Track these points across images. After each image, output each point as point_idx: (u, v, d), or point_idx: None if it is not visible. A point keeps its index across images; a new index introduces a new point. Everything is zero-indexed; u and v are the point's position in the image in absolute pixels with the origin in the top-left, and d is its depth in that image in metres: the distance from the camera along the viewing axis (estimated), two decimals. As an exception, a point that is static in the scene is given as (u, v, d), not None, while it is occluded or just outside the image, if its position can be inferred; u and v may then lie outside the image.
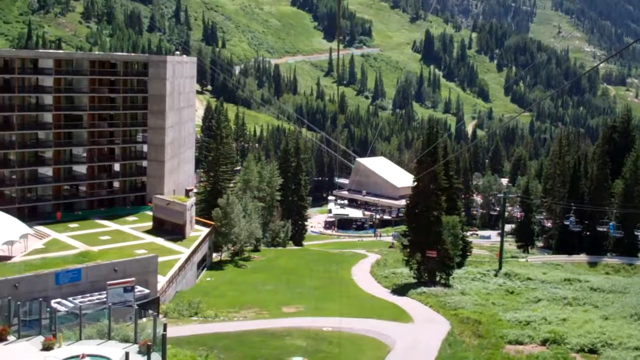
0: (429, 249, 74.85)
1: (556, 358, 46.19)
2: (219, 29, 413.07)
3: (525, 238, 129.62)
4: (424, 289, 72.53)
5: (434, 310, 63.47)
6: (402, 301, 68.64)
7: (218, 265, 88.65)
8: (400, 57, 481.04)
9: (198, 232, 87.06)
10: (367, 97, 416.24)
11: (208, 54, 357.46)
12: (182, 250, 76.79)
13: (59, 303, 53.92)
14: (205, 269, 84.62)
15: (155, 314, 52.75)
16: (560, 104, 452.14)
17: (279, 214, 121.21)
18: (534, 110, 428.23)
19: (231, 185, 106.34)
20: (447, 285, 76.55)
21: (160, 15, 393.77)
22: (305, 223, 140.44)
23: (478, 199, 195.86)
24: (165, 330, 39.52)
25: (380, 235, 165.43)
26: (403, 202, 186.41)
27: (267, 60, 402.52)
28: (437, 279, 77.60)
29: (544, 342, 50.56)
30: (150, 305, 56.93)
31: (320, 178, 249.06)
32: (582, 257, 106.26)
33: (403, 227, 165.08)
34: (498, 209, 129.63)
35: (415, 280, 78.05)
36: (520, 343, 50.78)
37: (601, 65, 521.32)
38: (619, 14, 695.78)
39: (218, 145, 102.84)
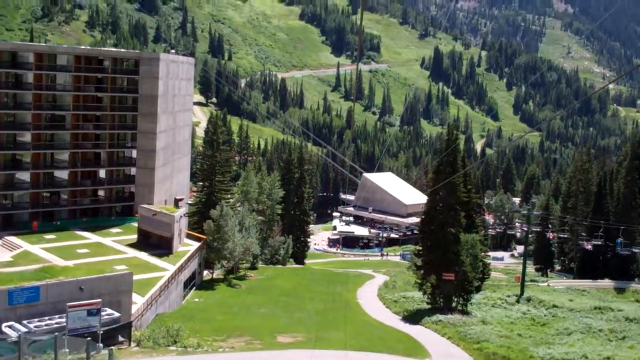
0: (446, 271, 66.24)
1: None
2: (226, 41, 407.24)
3: (543, 260, 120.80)
4: (440, 316, 63.70)
5: (453, 342, 54.63)
6: (415, 330, 59.92)
7: (209, 285, 79.87)
8: (409, 73, 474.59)
9: (188, 247, 78.54)
10: (374, 113, 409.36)
11: (214, 65, 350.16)
12: (167, 267, 68.18)
13: (10, 327, 45.39)
14: (194, 288, 75.93)
15: (113, 345, 44.57)
16: (571, 124, 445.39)
17: (280, 229, 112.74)
18: (543, 130, 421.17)
19: (228, 196, 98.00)
20: (465, 312, 67.78)
21: (166, 26, 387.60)
22: (308, 240, 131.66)
23: (489, 218, 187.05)
24: (121, 369, 31.15)
25: (387, 255, 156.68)
26: (411, 220, 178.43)
27: (274, 74, 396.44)
28: (454, 305, 68.95)
29: (589, 387, 41.94)
30: (120, 331, 48.41)
31: (325, 194, 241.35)
32: (608, 283, 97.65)
33: (410, 247, 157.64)
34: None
35: (429, 306, 69.33)
36: (562, 387, 42.11)
37: (611, 86, 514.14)
38: (628, 35, 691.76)
39: (214, 152, 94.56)
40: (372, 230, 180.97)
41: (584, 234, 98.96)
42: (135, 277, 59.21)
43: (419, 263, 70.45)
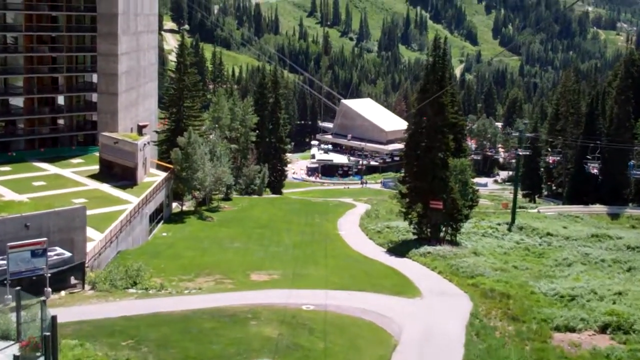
0: (433, 199, 61.03)
1: (635, 357, 32.50)
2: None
3: (532, 186, 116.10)
4: (428, 248, 58.91)
5: (445, 277, 49.70)
6: (402, 264, 54.99)
7: (178, 217, 74.07)
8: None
9: (155, 178, 72.59)
10: (351, 39, 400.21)
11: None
12: (130, 200, 62.33)
13: (-58, 272, 39.74)
14: (162, 222, 70.26)
15: (65, 289, 39.34)
16: (550, 48, 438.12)
17: (255, 157, 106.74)
18: (523, 54, 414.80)
19: (197, 123, 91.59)
20: (454, 242, 63.01)
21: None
22: (285, 168, 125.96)
23: (471, 143, 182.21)
24: (54, 325, 25.52)
25: (367, 183, 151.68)
26: (391, 146, 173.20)
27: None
28: (442, 235, 64.01)
29: (603, 329, 37.03)
30: (73, 273, 42.91)
31: (302, 122, 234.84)
32: (601, 208, 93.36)
33: (391, 174, 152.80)
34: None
35: (415, 237, 64.41)
36: (572, 330, 37.17)
37: (590, 9, 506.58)
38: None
39: (182, 75, 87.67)
40: (352, 158, 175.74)
41: (588, 156, 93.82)
42: (95, 211, 54.08)
43: (404, 190, 65.20)
